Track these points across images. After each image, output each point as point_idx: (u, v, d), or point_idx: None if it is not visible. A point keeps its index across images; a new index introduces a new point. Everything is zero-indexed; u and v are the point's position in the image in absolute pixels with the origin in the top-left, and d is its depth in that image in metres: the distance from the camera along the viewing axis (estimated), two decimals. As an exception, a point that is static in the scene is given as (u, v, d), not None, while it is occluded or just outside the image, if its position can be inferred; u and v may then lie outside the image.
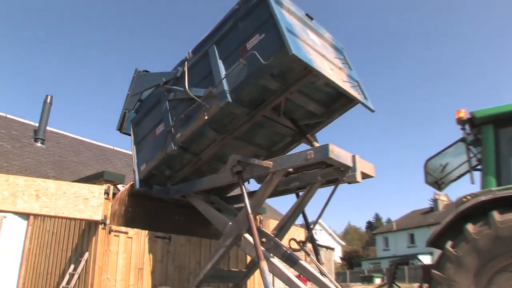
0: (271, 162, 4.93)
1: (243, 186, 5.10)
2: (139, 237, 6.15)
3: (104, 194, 5.92)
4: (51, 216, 5.73)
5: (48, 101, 14.30)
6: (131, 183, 6.69)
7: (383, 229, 40.56)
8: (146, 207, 7.12)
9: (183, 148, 5.87)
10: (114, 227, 5.94)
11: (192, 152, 5.99)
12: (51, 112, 14.11)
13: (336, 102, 5.77)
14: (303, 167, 5.25)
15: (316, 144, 5.62)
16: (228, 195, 7.35)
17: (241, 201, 6.01)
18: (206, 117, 5.23)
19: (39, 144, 13.15)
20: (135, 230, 6.16)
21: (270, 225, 7.94)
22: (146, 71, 7.12)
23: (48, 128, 14.18)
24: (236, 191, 7.48)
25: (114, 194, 6.34)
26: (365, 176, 4.93)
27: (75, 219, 6.19)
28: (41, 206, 5.50)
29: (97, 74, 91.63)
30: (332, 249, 26.28)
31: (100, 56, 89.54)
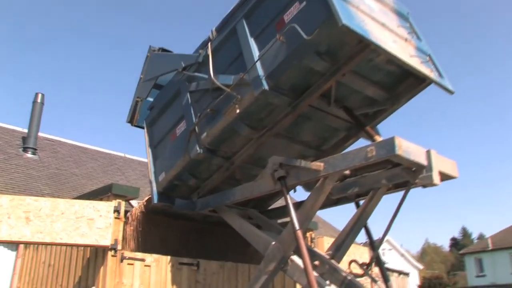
0: (322, 164, 4.97)
1: (287, 196, 5.19)
2: (159, 265, 6.40)
3: (114, 212, 6.19)
4: (46, 244, 6.03)
5: (39, 100, 14.68)
6: (148, 197, 7.03)
7: (475, 248, 39.40)
8: (168, 227, 7.50)
9: (210, 151, 6.06)
10: (127, 254, 6.20)
11: (222, 155, 6.18)
12: (43, 115, 14.50)
13: (402, 83, 5.71)
14: (363, 168, 5.29)
15: (379, 139, 5.61)
16: (270, 207, 7.57)
17: (286, 214, 6.24)
18: (237, 111, 5.36)
19: (29, 155, 13.66)
20: (154, 256, 6.41)
21: (324, 244, 8.10)
22: (163, 49, 7.30)
23: (40, 134, 14.81)
24: (279, 202, 7.66)
25: (126, 212, 6.66)
26: (444, 177, 4.83)
27: (77, 246, 6.53)
28: (33, 232, 5.69)
29: (100, 70, 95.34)
30: (407, 274, 25.91)
31: (102, 48, 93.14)
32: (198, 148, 5.98)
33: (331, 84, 5.30)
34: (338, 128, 6.26)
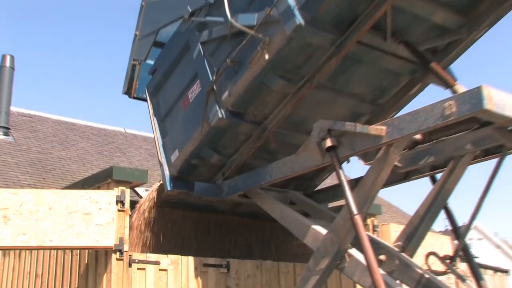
0: (384, 127, 4.94)
1: (340, 171, 5.20)
2: (178, 269, 6.61)
3: (117, 203, 6.41)
4: (31, 248, 6.33)
5: (7, 64, 14.73)
6: (159, 184, 7.28)
7: None
8: (186, 222, 7.86)
9: (236, 115, 6.19)
10: (136, 256, 6.43)
11: (251, 119, 6.31)
12: (16, 84, 14.76)
13: (482, 1, 5.61)
14: (440, 130, 5.32)
15: (457, 86, 5.48)
16: (317, 188, 7.75)
17: (340, 196, 6.36)
18: (266, 58, 5.41)
19: (0, 136, 13.87)
20: (172, 257, 6.63)
21: (391, 232, 8.23)
22: None
23: (14, 109, 15.10)
24: (329, 180, 7.80)
25: (132, 204, 6.90)
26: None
27: (71, 249, 6.85)
28: (14, 234, 5.88)
29: (86, 28, 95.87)
30: (505, 271, 25.64)
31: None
32: (219, 113, 6.10)
33: (386, 10, 5.23)
34: (399, 72, 6.23)
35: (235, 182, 6.74)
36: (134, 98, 8.00)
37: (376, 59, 5.92)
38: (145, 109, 7.71)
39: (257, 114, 6.25)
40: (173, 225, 7.82)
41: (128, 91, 8.00)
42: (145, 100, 7.68)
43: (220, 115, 6.09)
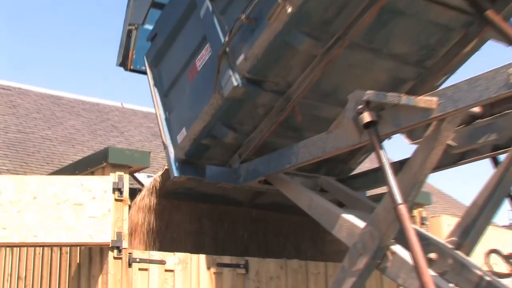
0: (435, 98, 4.91)
1: (381, 152, 5.17)
2: (187, 269, 6.70)
3: (114, 192, 6.53)
4: (12, 245, 6.58)
5: None
6: (163, 169, 7.41)
7: None
8: (196, 214, 8.03)
9: (254, 83, 6.21)
10: (138, 254, 6.54)
11: (272, 88, 6.33)
12: None
13: None
14: (503, 102, 5.26)
15: None
16: (353, 172, 7.80)
17: (380, 181, 6.32)
18: (289, 11, 5.41)
19: None
20: (180, 255, 6.74)
21: (443, 226, 8.21)
22: None
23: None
24: (367, 164, 7.95)
25: (132, 192, 7.05)
26: None
27: (60, 246, 6.96)
28: None
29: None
30: None
31: None
32: (234, 80, 6.11)
33: None
34: (450, 25, 6.16)
35: (255, 165, 6.77)
36: (130, 70, 8.02)
37: (421, 10, 5.85)
38: (145, 82, 7.77)
39: (279, 82, 6.25)
40: (181, 219, 7.95)
41: (123, 62, 8.04)
42: (144, 72, 7.75)
43: (235, 83, 6.09)
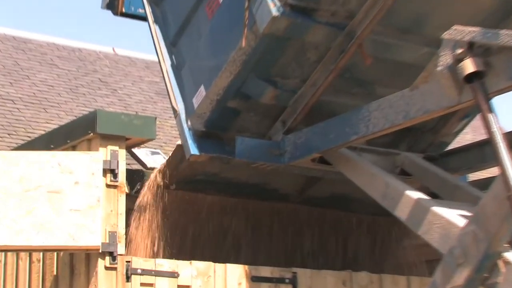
0: None
1: (490, 116, 5.14)
2: (209, 284, 6.80)
3: (105, 174, 6.65)
4: None
5: None
6: (176, 146, 7.46)
7: None
8: (221, 210, 8.07)
9: (301, 12, 6.27)
10: (139, 263, 6.64)
11: (327, 19, 6.37)
12: None
13: None
14: None
15: None
16: (448, 148, 7.84)
17: (487, 161, 6.45)
18: None
19: None
20: (198, 265, 6.82)
21: None
22: None
23: None
24: (468, 136, 7.99)
25: (131, 175, 7.19)
26: None
27: (29, 251, 7.03)
28: None
29: None
30: None
31: None
32: (272, 8, 6.13)
33: None
34: None
35: (306, 137, 6.85)
36: (122, 15, 8.05)
37: None
38: (144, 26, 7.82)
39: (337, 10, 6.30)
40: (200, 217, 8.01)
41: (111, 3, 8.06)
42: (142, 17, 7.86)
43: (274, 13, 6.11)
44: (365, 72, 6.67)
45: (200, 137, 7.04)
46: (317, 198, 8.16)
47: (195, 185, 7.74)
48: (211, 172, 7.44)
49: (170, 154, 7.58)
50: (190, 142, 7.00)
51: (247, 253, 8.14)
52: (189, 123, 7.11)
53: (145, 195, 7.40)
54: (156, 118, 7.54)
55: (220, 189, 7.91)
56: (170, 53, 7.50)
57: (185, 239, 7.75)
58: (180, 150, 7.23)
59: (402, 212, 6.22)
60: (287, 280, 7.05)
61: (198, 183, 7.71)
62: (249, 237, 8.24)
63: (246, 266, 7.01)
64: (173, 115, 7.55)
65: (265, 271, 7.05)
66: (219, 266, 6.87)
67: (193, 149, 6.96)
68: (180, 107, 7.20)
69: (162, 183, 7.40)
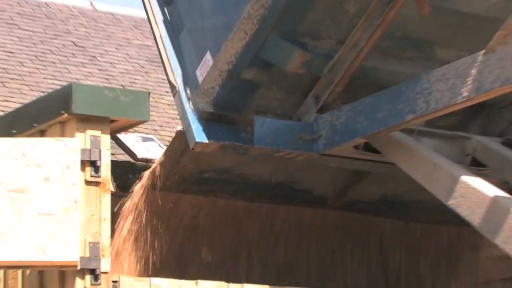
0: None
1: None
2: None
3: (83, 167, 6.59)
4: None
5: None
6: (177, 131, 7.37)
7: None
8: (236, 218, 8.08)
9: None
10: (129, 282, 6.60)
11: None
12: None
13: None
14: None
15: None
16: None
17: None
18: None
19: None
20: (207, 285, 6.76)
21: None
22: None
23: None
24: None
25: (116, 168, 7.15)
26: None
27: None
28: None
29: None
30: None
31: None
32: None
33: None
34: None
35: (346, 116, 6.86)
36: None
37: None
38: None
39: None
40: (208, 226, 7.99)
41: None
42: None
43: None
44: (422, 28, 6.66)
45: (208, 121, 7.00)
46: (362, 202, 8.17)
47: (202, 186, 7.73)
48: (222, 167, 7.46)
49: (167, 141, 7.52)
50: (194, 127, 6.94)
51: (270, 271, 8.16)
52: (191, 102, 7.07)
53: (137, 197, 7.36)
54: (149, 93, 7.44)
55: (234, 191, 7.90)
56: (164, 11, 7.50)
57: (189, 253, 7.75)
58: (181, 138, 7.21)
59: (474, 215, 6.21)
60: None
61: (205, 183, 7.71)
62: (272, 252, 8.23)
63: (267, 286, 6.97)
64: (170, 93, 7.55)
65: None
66: (234, 287, 6.80)
67: (199, 136, 6.92)
68: (180, 81, 7.18)
69: (158, 184, 7.34)
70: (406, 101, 6.31)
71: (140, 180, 7.42)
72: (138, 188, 7.34)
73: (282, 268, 8.19)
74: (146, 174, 7.41)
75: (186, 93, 7.13)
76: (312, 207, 8.14)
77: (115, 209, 7.17)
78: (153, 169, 7.40)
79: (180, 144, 7.25)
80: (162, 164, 7.36)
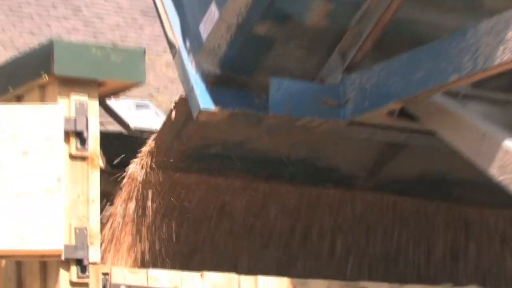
0: None
1: None
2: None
3: (67, 139, 6.44)
4: None
5: None
6: (180, 97, 7.24)
7: None
8: (250, 201, 7.96)
9: None
10: (123, 275, 6.44)
11: None
12: None
13: None
14: None
15: None
16: None
17: None
18: None
19: None
20: (214, 278, 6.61)
21: None
22: None
23: None
24: None
25: (106, 140, 6.92)
26: None
27: None
28: None
29: None
30: None
31: None
32: None
33: None
34: None
35: (378, 77, 6.74)
36: None
37: None
38: None
39: None
40: (215, 209, 7.90)
41: None
42: None
43: None
44: None
45: (214, 85, 6.94)
46: (398, 181, 8.09)
47: (209, 164, 7.68)
48: (232, 141, 7.36)
49: (165, 109, 7.40)
50: (198, 92, 6.88)
51: (289, 262, 8.14)
52: (194, 63, 7.00)
53: (131, 178, 7.32)
54: (144, 51, 7.18)
55: (247, 169, 7.81)
56: None
57: (193, 240, 7.72)
58: (183, 105, 7.13)
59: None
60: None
61: (213, 160, 7.64)
62: (291, 239, 8.20)
63: (289, 280, 6.77)
64: (168, 50, 7.51)
65: (319, 285, 6.85)
66: (247, 280, 6.66)
67: (204, 102, 6.85)
68: (180, 39, 7.12)
69: (155, 161, 7.28)
70: (449, 59, 6.22)
71: (135, 158, 7.35)
72: (133, 167, 7.29)
73: (305, 257, 8.24)
74: (143, 151, 7.36)
75: (188, 53, 7.06)
76: (338, 188, 8.09)
77: (105, 189, 7.02)
78: (149, 144, 7.36)
79: (182, 113, 7.17)
80: (159, 137, 7.32)
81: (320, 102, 6.86)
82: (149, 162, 7.25)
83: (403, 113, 6.79)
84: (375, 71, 6.70)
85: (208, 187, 7.72)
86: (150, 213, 7.27)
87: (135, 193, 7.26)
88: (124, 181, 7.31)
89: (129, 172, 7.30)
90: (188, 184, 7.54)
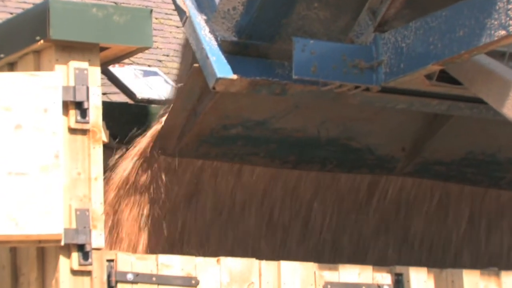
0: None
1: None
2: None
3: (66, 111, 6.29)
4: None
5: None
6: (193, 68, 6.96)
7: None
8: (277, 184, 7.79)
9: None
10: (129, 261, 6.28)
11: None
12: None
13: None
14: None
15: None
16: None
17: None
18: None
19: None
20: (232, 264, 6.47)
21: None
22: None
23: None
24: None
25: (109, 110, 6.70)
26: None
27: None
28: None
29: None
30: None
31: None
32: None
33: None
34: None
35: (414, 36, 6.51)
36: None
37: None
38: None
39: None
40: (234, 196, 7.75)
41: None
42: None
43: None
44: None
45: (231, 53, 6.71)
46: (441, 163, 7.94)
47: (229, 147, 7.49)
48: (254, 119, 7.16)
49: (175, 77, 7.21)
50: (213, 59, 6.65)
51: (317, 250, 8.03)
52: (208, 29, 6.79)
53: (137, 157, 7.18)
54: (151, 11, 6.94)
55: (271, 153, 7.65)
56: None
57: (210, 226, 7.57)
58: (197, 77, 6.87)
59: None
60: (386, 287, 6.74)
61: (232, 143, 7.46)
62: (321, 230, 8.05)
63: (316, 265, 6.59)
64: (177, 16, 7.35)
65: (349, 272, 6.65)
66: (268, 265, 6.48)
67: (220, 70, 6.61)
68: (190, 3, 6.90)
69: (168, 147, 7.14)
70: (495, 14, 5.96)
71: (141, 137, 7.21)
72: (139, 147, 7.18)
73: (336, 245, 8.17)
74: (151, 131, 7.20)
75: (200, 19, 6.86)
76: (374, 173, 8.02)
77: (109, 165, 6.93)
78: (159, 122, 7.21)
79: (195, 87, 6.96)
80: (171, 117, 7.13)
81: (350, 64, 6.63)
82: (159, 146, 7.16)
83: (444, 77, 6.61)
84: (411, 29, 6.49)
85: (225, 173, 7.59)
86: (158, 191, 7.11)
87: (136, 167, 7.10)
88: (131, 164, 7.17)
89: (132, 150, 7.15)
90: (201, 168, 7.43)
